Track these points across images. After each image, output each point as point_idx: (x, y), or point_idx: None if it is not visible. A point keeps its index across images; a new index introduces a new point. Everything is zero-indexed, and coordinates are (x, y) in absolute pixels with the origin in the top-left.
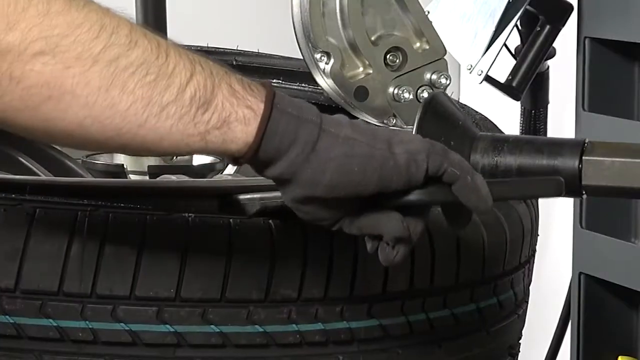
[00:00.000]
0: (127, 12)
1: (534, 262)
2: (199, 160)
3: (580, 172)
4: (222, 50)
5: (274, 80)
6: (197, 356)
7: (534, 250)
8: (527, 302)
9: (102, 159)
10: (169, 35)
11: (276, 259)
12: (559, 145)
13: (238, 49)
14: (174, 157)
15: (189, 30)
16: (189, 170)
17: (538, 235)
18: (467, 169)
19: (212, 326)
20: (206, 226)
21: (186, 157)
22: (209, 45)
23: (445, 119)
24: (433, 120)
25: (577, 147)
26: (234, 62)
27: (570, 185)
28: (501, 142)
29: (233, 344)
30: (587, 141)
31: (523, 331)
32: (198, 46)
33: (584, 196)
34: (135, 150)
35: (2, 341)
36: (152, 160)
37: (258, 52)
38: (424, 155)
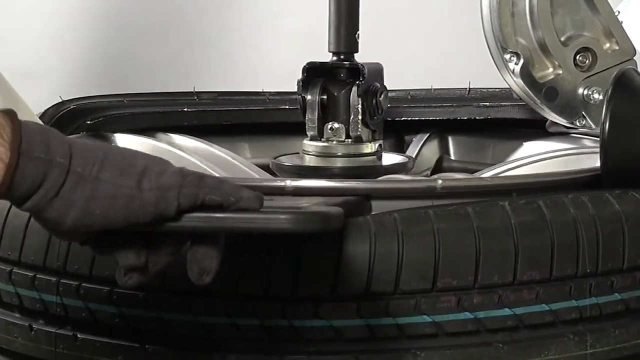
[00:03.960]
0: None
1: None
2: (387, 160)
3: None
4: None
5: None
6: None
7: None
8: None
9: (290, 161)
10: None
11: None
12: None
13: None
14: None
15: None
16: (377, 170)
17: None
18: (226, 192)
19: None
20: None
21: (373, 157)
22: None
23: (635, 95)
24: (623, 96)
25: None
26: None
27: None
28: None
29: None
30: None
31: None
32: None
33: None
34: None
35: None
36: (340, 162)
37: None
38: (175, 192)
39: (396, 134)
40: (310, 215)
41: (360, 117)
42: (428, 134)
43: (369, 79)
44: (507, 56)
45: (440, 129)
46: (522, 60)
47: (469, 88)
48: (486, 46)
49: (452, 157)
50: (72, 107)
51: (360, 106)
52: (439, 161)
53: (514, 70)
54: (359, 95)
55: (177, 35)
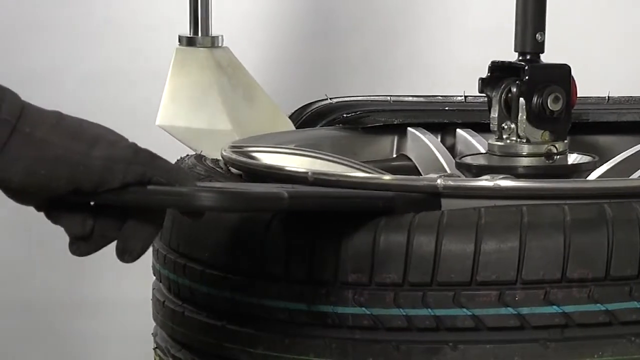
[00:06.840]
0: None
1: None
2: (572, 159)
3: None
4: None
5: None
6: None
7: None
8: None
9: (475, 160)
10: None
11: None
12: None
13: None
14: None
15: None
16: (562, 170)
17: None
18: (174, 178)
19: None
20: None
21: (548, 158)
22: None
23: None
24: None
25: None
26: None
27: None
28: None
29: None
30: None
31: None
32: None
33: None
34: None
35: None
36: (516, 162)
37: None
38: (123, 166)
39: None
40: (229, 194)
41: (524, 117)
42: None
43: (541, 80)
44: None
45: None
46: None
47: None
48: None
49: None
50: (334, 102)
51: (524, 106)
52: None
53: None
54: (520, 95)
55: (366, 34)
